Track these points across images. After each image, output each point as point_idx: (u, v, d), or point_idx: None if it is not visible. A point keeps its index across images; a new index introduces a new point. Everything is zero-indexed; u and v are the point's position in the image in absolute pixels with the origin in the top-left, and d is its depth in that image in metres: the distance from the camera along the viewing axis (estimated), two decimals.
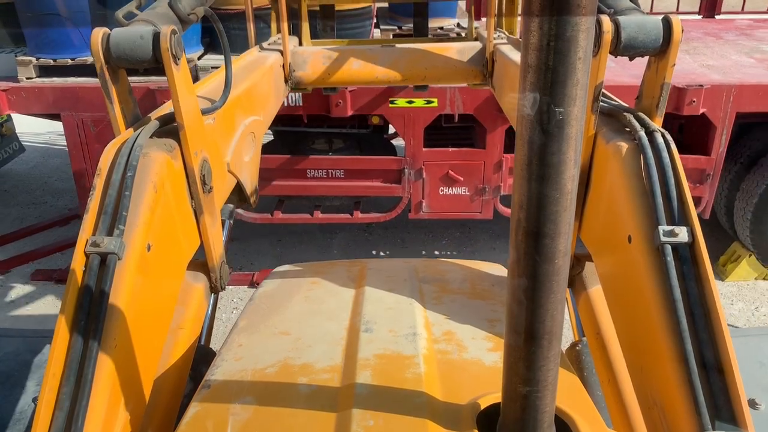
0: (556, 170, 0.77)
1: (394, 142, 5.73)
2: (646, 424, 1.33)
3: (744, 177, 4.93)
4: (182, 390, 1.59)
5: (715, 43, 5.81)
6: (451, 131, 5.09)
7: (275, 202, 5.25)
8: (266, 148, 5.40)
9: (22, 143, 7.11)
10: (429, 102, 4.66)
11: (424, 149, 4.83)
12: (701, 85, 4.35)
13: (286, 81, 2.83)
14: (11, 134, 6.94)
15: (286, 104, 4.66)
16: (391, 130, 5.21)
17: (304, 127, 5.13)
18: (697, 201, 4.79)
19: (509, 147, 4.92)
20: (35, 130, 7.86)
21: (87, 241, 1.25)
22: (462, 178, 4.93)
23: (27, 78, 4.62)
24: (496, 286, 1.68)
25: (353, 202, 5.23)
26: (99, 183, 1.35)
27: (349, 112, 4.64)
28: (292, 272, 1.84)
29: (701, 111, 4.42)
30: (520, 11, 4.05)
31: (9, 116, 6.80)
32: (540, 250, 0.81)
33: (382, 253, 5.80)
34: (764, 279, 5.31)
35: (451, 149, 4.92)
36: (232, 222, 2.35)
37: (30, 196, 6.83)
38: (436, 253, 5.80)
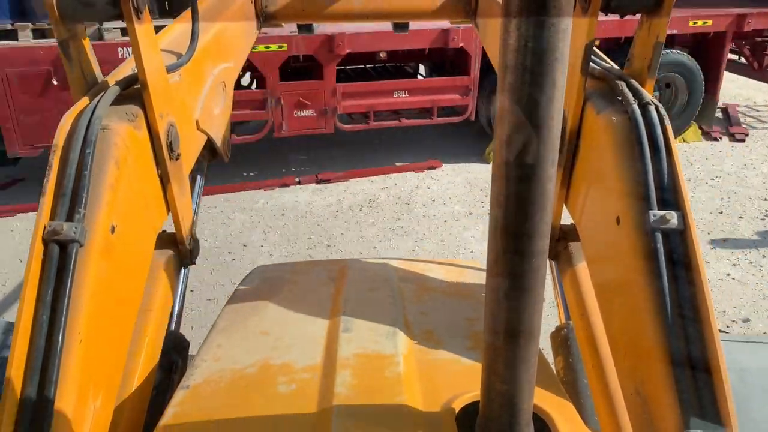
0: (534, 170, 0.77)
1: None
2: (628, 413, 1.32)
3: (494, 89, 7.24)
4: (152, 380, 1.54)
5: None
6: (302, 68, 7.00)
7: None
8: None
9: None
10: (281, 47, 6.50)
11: (279, 83, 6.65)
12: (458, 26, 6.61)
13: (257, 17, 2.66)
14: None
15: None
16: None
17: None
18: (464, 108, 7.48)
19: (340, 78, 6.92)
20: None
21: (45, 227, 1.17)
22: (309, 103, 6.84)
23: None
24: (475, 285, 1.68)
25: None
26: (55, 161, 1.27)
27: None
28: (272, 272, 1.84)
29: (460, 45, 6.85)
30: None
31: None
32: (518, 249, 0.82)
33: (251, 174, 7.51)
34: None
35: (299, 82, 6.81)
36: (203, 178, 2.22)
37: None
38: (294, 169, 7.62)
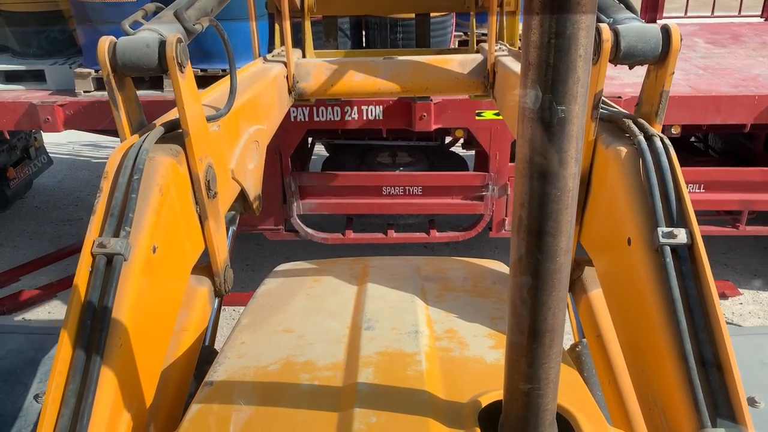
0: (558, 168, 0.76)
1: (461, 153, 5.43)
2: (647, 425, 1.34)
3: None
4: (186, 389, 1.61)
5: None
6: None
7: (344, 221, 4.94)
8: (325, 164, 5.11)
9: (50, 155, 6.74)
10: None
11: (510, 164, 4.55)
12: None
13: (289, 92, 2.86)
14: (40, 146, 6.56)
15: (365, 118, 4.35)
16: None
17: (368, 140, 4.91)
18: None
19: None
20: (57, 140, 7.44)
21: (93, 242, 1.27)
22: None
23: (85, 91, 4.25)
24: (497, 284, 1.69)
25: (428, 220, 4.94)
26: (106, 186, 1.38)
27: (433, 126, 4.34)
28: (295, 270, 1.85)
29: None
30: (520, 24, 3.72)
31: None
32: (541, 248, 0.81)
33: None
34: None
35: None
36: (235, 228, 2.36)
37: (63, 212, 6.42)
38: None
